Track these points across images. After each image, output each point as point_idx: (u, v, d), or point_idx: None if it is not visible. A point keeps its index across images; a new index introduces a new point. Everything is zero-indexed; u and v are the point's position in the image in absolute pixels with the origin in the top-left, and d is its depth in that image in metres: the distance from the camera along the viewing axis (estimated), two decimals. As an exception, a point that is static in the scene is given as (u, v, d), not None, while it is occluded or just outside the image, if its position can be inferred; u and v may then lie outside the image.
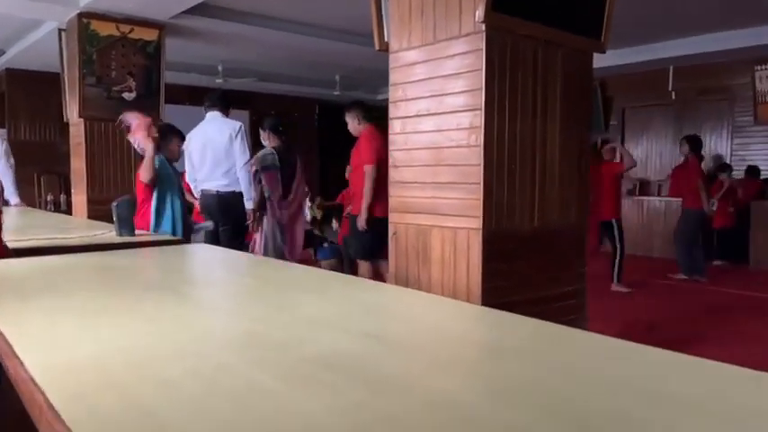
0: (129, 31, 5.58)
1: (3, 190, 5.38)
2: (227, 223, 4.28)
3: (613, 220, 6.03)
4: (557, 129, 2.73)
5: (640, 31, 7.23)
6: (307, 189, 4.74)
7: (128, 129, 3.69)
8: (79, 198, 5.74)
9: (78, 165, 5.69)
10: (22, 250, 2.32)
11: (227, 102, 4.56)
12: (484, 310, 1.56)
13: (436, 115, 2.61)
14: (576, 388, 0.88)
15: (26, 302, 1.45)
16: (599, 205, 6.04)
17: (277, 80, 10.33)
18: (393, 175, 2.83)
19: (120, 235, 2.76)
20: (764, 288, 5.94)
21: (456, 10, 2.51)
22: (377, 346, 1.11)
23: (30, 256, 2.18)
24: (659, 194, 8.92)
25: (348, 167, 4.69)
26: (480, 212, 2.42)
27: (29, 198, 7.84)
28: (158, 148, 3.68)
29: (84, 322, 1.27)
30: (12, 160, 5.50)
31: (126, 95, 5.69)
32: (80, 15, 5.27)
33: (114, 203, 2.88)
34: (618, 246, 6.02)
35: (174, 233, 3.64)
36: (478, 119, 2.42)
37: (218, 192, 4.29)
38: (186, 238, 3.72)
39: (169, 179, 3.74)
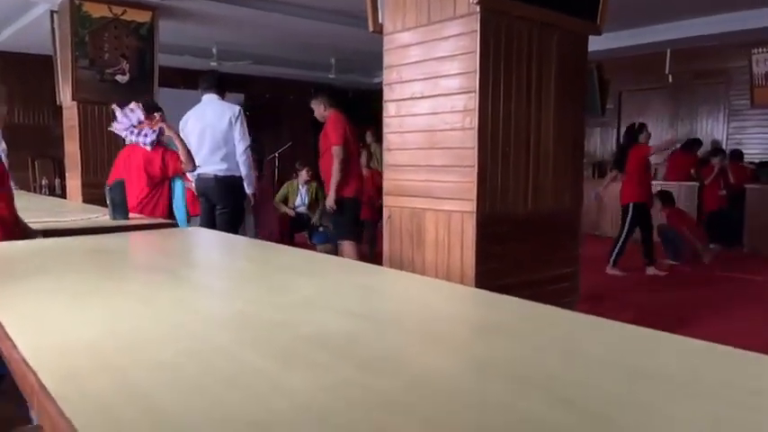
0: (122, 13, 5.53)
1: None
2: (226, 207, 4.27)
3: (630, 204, 5.88)
4: (551, 111, 2.73)
5: (638, 14, 7.19)
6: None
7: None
8: (73, 182, 5.72)
9: (72, 148, 5.66)
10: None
11: (221, 82, 4.52)
12: (476, 291, 1.57)
13: (431, 98, 2.60)
14: (563, 366, 0.89)
15: (19, 285, 1.45)
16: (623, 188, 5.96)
17: (272, 63, 10.27)
18: (387, 158, 2.82)
19: (114, 218, 2.76)
20: (760, 271, 5.98)
21: (451, -9, 2.49)
22: (369, 326, 1.11)
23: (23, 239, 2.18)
24: (655, 178, 8.93)
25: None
26: (474, 195, 2.42)
27: (23, 182, 7.82)
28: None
29: (78, 304, 1.27)
30: (3, 145, 5.47)
31: (119, 78, 5.65)
32: (72, -3, 5.21)
33: (108, 187, 2.88)
34: (624, 230, 5.90)
35: (184, 218, 3.78)
36: (473, 101, 2.41)
37: (215, 176, 4.28)
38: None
39: None
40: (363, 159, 6.11)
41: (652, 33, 7.94)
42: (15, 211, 2.30)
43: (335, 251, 6.09)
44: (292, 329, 1.07)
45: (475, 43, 2.40)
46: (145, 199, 3.77)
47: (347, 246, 4.56)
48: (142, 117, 3.85)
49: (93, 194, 4.84)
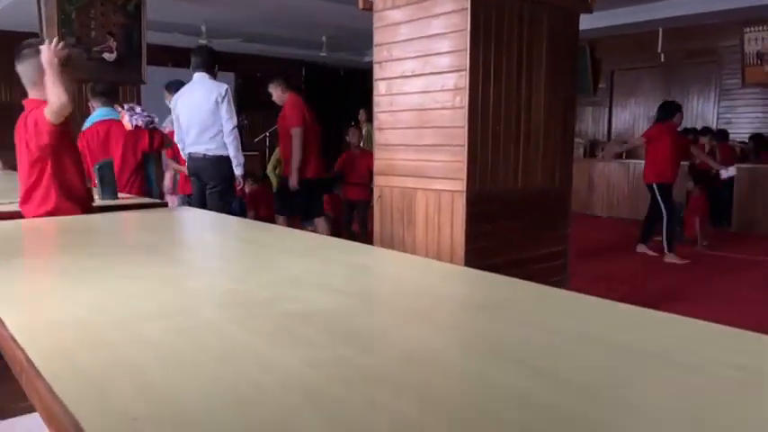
0: (109, -11, 5.43)
1: None
2: (217, 185, 4.25)
3: (654, 185, 5.64)
4: (542, 90, 2.73)
5: (631, -8, 7.15)
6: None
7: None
8: (62, 161, 5.65)
9: (60, 127, 5.59)
10: (4, 213, 2.31)
11: (214, 61, 4.44)
12: (463, 269, 1.58)
13: (421, 76, 2.59)
14: (544, 341, 0.90)
15: (8, 264, 1.45)
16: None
17: (262, 41, 10.15)
18: (378, 137, 2.82)
19: (103, 198, 2.74)
20: (747, 250, 6.04)
21: (441, -32, 2.46)
22: (356, 303, 1.13)
23: (12, 218, 2.17)
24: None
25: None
26: (464, 175, 2.42)
27: (11, 162, 7.72)
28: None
29: (67, 283, 1.27)
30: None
31: (106, 56, 5.57)
32: (57, -28, 5.11)
33: (97, 166, 2.86)
34: (663, 212, 5.59)
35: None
36: (463, 80, 2.40)
37: (205, 155, 4.25)
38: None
39: None
40: (355, 139, 6.08)
41: (644, 12, 7.90)
42: (87, 185, 2.52)
43: (327, 231, 6.12)
44: (280, 307, 1.08)
45: (465, 21, 2.38)
46: (130, 178, 3.74)
47: (320, 223, 4.78)
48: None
49: (82, 174, 4.80)
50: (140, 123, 3.81)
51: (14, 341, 0.88)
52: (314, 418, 0.66)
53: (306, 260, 1.52)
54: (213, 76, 4.36)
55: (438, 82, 2.51)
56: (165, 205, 2.89)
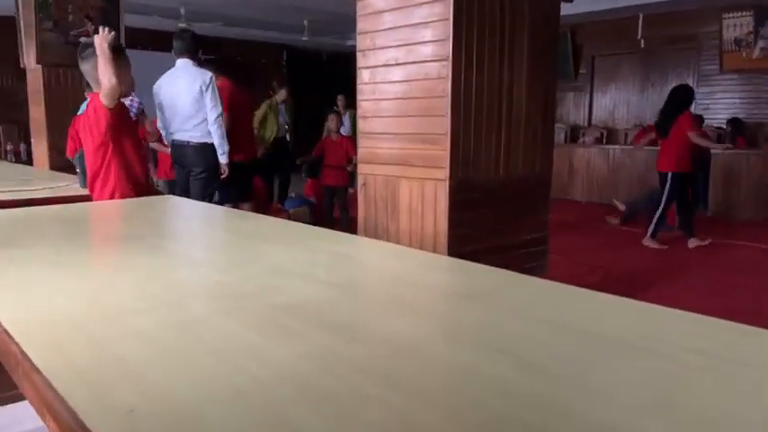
0: (86, -28, 5.33)
1: None
2: (201, 172, 4.23)
3: (669, 174, 5.53)
4: (523, 78, 2.75)
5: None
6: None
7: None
8: (39, 148, 5.58)
9: (37, 113, 5.51)
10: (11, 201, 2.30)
11: (197, 45, 4.37)
12: (446, 259, 1.61)
13: (404, 65, 2.60)
14: (524, 330, 0.94)
15: (-7, 256, 1.45)
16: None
17: (243, 24, 10.04)
18: (362, 125, 2.83)
19: (85, 186, 2.73)
20: (725, 234, 6.17)
21: (424, -43, 2.47)
22: (342, 294, 1.15)
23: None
24: (626, 143, 9.08)
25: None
26: (447, 163, 2.45)
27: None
28: None
29: (55, 275, 1.28)
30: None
31: (84, 40, 5.47)
32: (33, -46, 5.00)
33: (77, 155, 2.84)
34: (663, 200, 5.58)
35: None
36: (446, 69, 2.42)
37: (189, 142, 4.22)
38: None
39: None
40: (333, 125, 6.07)
41: (625, -2, 7.97)
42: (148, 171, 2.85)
43: (309, 217, 6.14)
44: (267, 298, 1.11)
45: (448, 10, 2.40)
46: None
47: (246, 207, 4.81)
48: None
49: (61, 161, 4.75)
50: (135, 111, 3.79)
51: (8, 335, 0.89)
52: (306, 410, 0.68)
53: (291, 250, 1.55)
54: (197, 61, 4.32)
55: (421, 71, 2.53)
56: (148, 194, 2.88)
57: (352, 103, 6.98)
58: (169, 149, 4.44)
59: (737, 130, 8.08)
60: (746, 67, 8.33)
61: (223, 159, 4.24)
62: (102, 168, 2.56)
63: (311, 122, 8.60)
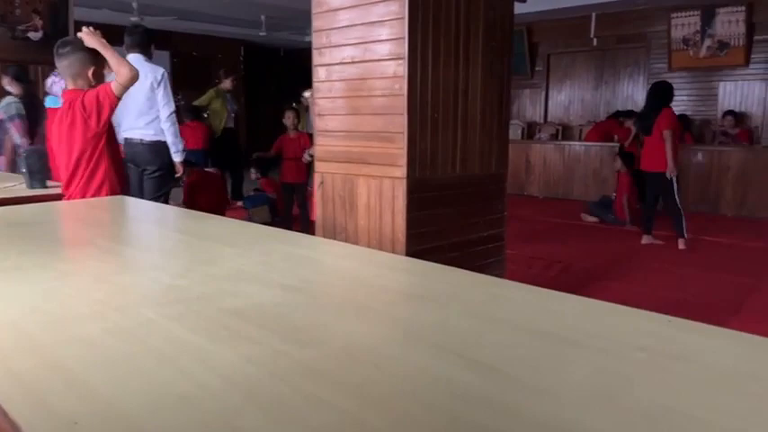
0: (32, -36, 5.15)
1: None
2: (155, 171, 4.12)
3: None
4: (479, 77, 2.79)
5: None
6: None
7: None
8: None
9: (-18, 111, 5.29)
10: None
11: (149, 40, 4.25)
12: (403, 259, 1.62)
13: (361, 63, 2.60)
14: (479, 330, 0.95)
15: (-70, 263, 1.39)
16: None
17: (198, 19, 9.84)
18: (318, 123, 2.82)
19: (32, 187, 2.64)
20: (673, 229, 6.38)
21: (379, -45, 2.47)
22: (296, 296, 1.15)
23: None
24: (580, 139, 9.28)
25: None
26: (405, 162, 2.46)
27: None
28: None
29: (-4, 282, 1.24)
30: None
31: (32, 35, 5.30)
32: (-26, -55, 4.80)
33: (24, 153, 2.74)
34: (677, 200, 5.40)
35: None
36: (402, 68, 2.43)
37: (141, 140, 4.11)
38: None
39: None
40: (289, 122, 6.00)
41: (579, -3, 8.15)
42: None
43: (270, 216, 6.08)
44: (219, 302, 1.09)
45: (404, 9, 2.40)
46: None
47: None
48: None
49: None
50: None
51: (-57, 348, 0.86)
52: (256, 416, 0.68)
53: (246, 252, 1.53)
54: (149, 57, 4.21)
55: (377, 69, 2.53)
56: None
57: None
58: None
59: (685, 126, 8.35)
60: (694, 66, 8.62)
61: (177, 158, 4.14)
62: (91, 161, 2.55)
63: (268, 118, 8.51)
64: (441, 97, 2.59)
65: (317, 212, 2.83)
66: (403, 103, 2.44)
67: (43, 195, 2.53)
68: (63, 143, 2.58)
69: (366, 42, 2.55)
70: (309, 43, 2.86)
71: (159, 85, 4.02)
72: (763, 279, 4.46)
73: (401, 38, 2.42)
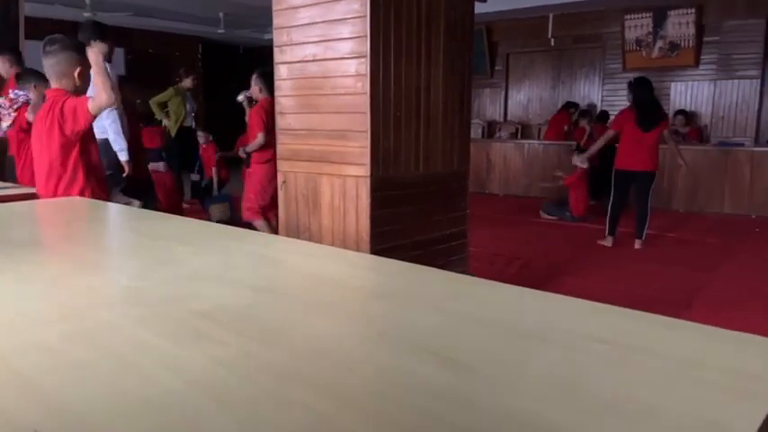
0: (-23, -44, 4.95)
1: None
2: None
3: (655, 172, 5.44)
4: (440, 75, 2.81)
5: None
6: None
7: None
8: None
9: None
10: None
11: (99, 36, 4.12)
12: (368, 257, 1.62)
13: (322, 61, 2.59)
14: (447, 328, 0.96)
15: None
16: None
17: (155, 15, 9.63)
18: (280, 122, 2.79)
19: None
20: (628, 223, 6.56)
21: (340, -47, 2.46)
22: (261, 297, 1.13)
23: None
24: (539, 138, 9.46)
25: None
26: (368, 160, 2.47)
27: None
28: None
29: (-56, 287, 1.19)
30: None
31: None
32: None
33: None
34: (649, 198, 5.42)
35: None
36: (364, 66, 2.43)
37: None
38: None
39: None
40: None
41: (537, -2, 8.30)
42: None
43: (230, 214, 5.99)
44: (183, 304, 1.07)
45: (365, 7, 2.41)
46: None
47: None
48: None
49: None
50: (20, 102, 3.60)
51: None
52: (226, 420, 0.67)
53: (207, 252, 1.50)
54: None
55: (339, 67, 2.52)
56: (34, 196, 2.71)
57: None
58: None
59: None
60: (647, 66, 8.88)
61: (122, 156, 3.99)
62: (66, 167, 2.55)
63: (227, 117, 8.39)
64: (403, 95, 2.60)
65: (280, 213, 2.81)
66: (366, 101, 2.44)
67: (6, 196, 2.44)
68: (43, 142, 2.56)
69: (328, 40, 2.54)
70: (269, 41, 2.84)
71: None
72: (714, 273, 4.63)
73: (363, 36, 2.42)
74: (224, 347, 0.87)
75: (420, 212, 2.78)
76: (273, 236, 1.89)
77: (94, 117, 2.52)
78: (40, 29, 8.10)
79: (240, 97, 5.52)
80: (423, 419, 0.66)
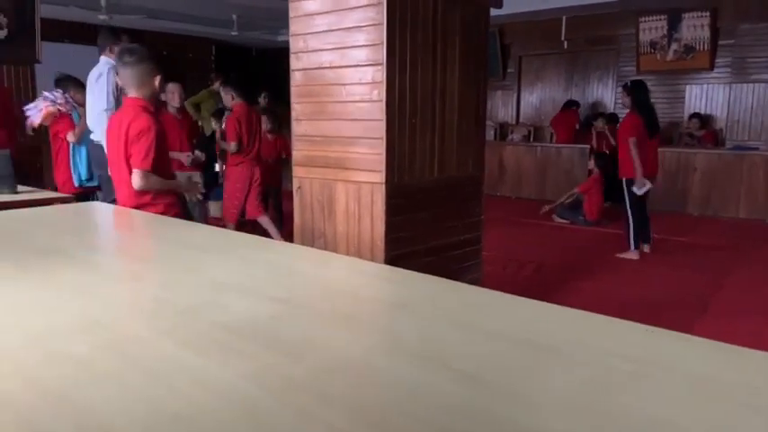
0: (-4, -40, 5.02)
1: None
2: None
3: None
4: (456, 82, 2.82)
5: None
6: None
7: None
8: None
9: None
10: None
11: (110, 39, 4.12)
12: (386, 268, 1.63)
13: (338, 68, 2.60)
14: (464, 340, 0.97)
15: None
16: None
17: (169, 18, 9.69)
18: (296, 128, 2.81)
19: (0, 193, 2.58)
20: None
21: (357, -39, 2.47)
22: (283, 309, 1.15)
23: None
24: (552, 141, 9.42)
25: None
26: (383, 167, 2.48)
27: None
28: None
29: (-27, 296, 1.21)
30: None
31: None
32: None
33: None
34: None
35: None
36: (380, 74, 2.44)
37: (92, 141, 4.00)
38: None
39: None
40: (266, 126, 5.95)
41: (549, 0, 8.26)
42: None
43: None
44: (207, 315, 1.09)
45: (382, 15, 2.42)
46: None
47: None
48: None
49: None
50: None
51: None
52: (248, 431, 0.68)
53: (227, 262, 1.52)
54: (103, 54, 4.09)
55: (355, 75, 2.54)
56: (68, 201, 2.75)
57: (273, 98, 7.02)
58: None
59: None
60: (661, 69, 8.82)
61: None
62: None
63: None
64: (418, 102, 2.61)
65: (295, 219, 2.83)
66: (381, 108, 2.45)
67: (13, 202, 2.47)
68: (113, 139, 2.58)
69: (344, 48, 2.56)
70: (282, 43, 2.86)
71: (97, 79, 3.83)
72: (728, 278, 4.59)
73: (379, 44, 2.43)
74: (247, 361, 0.89)
75: (434, 218, 2.79)
76: (291, 245, 1.91)
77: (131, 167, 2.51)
78: (57, 31, 8.19)
79: (215, 126, 5.75)
80: (447, 438, 0.67)
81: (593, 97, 9.77)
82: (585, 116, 9.09)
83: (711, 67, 8.49)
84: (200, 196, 3.02)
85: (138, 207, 2.50)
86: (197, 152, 5.12)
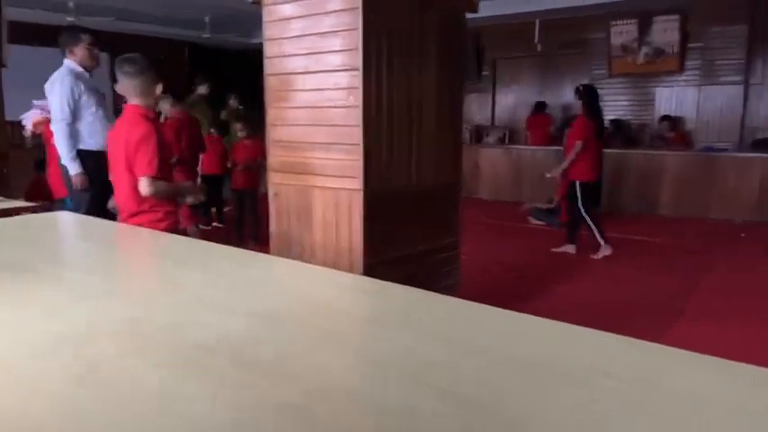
0: (-42, -39, 4.85)
1: None
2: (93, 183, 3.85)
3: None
4: (433, 87, 2.80)
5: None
6: None
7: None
8: None
9: None
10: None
11: (68, 39, 3.95)
12: (365, 280, 1.60)
13: (314, 74, 2.57)
14: (446, 357, 0.95)
15: None
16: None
17: (140, 20, 9.53)
18: (272, 134, 2.77)
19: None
20: (617, 229, 6.60)
21: (332, -35, 2.44)
22: (261, 325, 1.11)
23: None
24: (527, 143, 9.50)
25: None
26: (360, 173, 2.45)
27: None
28: None
29: (-69, 317, 1.15)
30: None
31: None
32: None
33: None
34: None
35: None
36: (356, 79, 2.41)
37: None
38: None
39: None
40: (241, 133, 5.87)
41: (524, 3, 8.32)
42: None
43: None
44: (183, 334, 1.05)
45: (357, 20, 2.39)
46: None
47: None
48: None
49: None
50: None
51: None
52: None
53: (201, 275, 1.48)
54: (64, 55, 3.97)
55: (331, 80, 2.50)
56: (34, 210, 2.66)
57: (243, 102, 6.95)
58: None
59: (617, 130, 8.71)
60: (632, 72, 8.96)
61: (71, 169, 3.54)
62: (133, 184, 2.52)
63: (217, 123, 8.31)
64: (395, 108, 2.58)
65: (272, 226, 2.78)
66: (358, 114, 2.43)
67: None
68: (114, 146, 2.56)
69: (319, 53, 2.52)
70: (257, 45, 2.82)
71: (53, 84, 3.61)
72: (703, 279, 4.66)
73: (354, 49, 2.41)
74: (224, 382, 0.85)
75: (412, 224, 2.77)
76: (269, 256, 1.86)
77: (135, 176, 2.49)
78: (25, 34, 7.98)
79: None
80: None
81: (565, 100, 9.87)
82: (561, 119, 9.18)
83: (681, 70, 8.65)
84: (202, 198, 3.00)
85: (136, 213, 2.48)
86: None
